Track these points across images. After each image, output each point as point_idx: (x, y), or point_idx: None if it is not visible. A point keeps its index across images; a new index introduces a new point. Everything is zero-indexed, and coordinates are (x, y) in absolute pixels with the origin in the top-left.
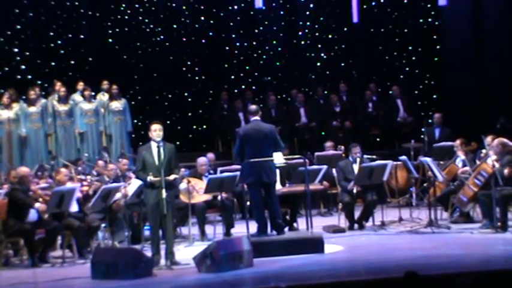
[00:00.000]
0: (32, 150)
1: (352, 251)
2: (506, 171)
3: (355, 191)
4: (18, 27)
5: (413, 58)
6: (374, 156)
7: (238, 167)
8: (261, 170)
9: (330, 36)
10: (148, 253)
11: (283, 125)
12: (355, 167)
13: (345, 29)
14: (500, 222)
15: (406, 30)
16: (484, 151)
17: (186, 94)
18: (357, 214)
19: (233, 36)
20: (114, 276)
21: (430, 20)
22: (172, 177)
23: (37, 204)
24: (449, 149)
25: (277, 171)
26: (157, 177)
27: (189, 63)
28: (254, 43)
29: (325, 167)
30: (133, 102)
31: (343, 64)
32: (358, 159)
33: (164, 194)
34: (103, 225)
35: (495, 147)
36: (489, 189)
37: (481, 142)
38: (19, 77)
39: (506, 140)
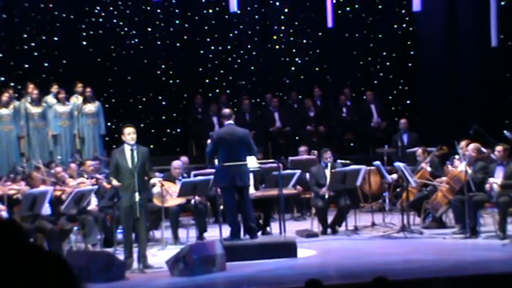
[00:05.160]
0: (3, 152)
1: (325, 255)
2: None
3: (327, 196)
4: None
5: (388, 64)
6: (348, 161)
7: (212, 170)
8: (234, 174)
9: (304, 40)
10: (121, 256)
11: (257, 129)
12: (327, 172)
13: (320, 33)
14: (471, 227)
15: (380, 36)
16: (457, 156)
17: (160, 97)
18: (330, 219)
19: (208, 40)
20: (86, 280)
21: (404, 25)
22: (153, 181)
23: None
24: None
25: (251, 175)
26: (131, 180)
27: (163, 66)
28: (229, 47)
29: (298, 171)
30: (107, 105)
31: (317, 69)
32: (329, 164)
33: (137, 197)
34: (75, 228)
35: (469, 153)
36: (462, 195)
37: (454, 147)
38: None
39: (480, 146)
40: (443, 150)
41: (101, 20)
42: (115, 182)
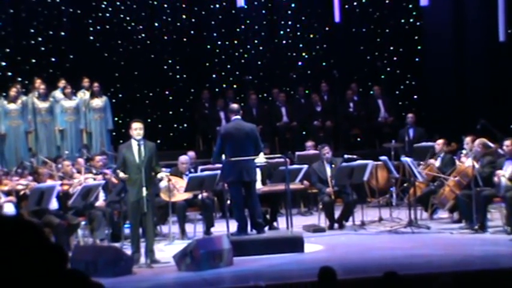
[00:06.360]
0: (11, 147)
1: (332, 250)
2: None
3: (333, 197)
4: None
5: (395, 58)
6: (354, 156)
7: (219, 165)
8: (241, 169)
9: (311, 35)
10: (128, 251)
11: (264, 124)
12: (327, 168)
13: (327, 28)
14: (479, 222)
15: (387, 31)
16: (464, 152)
17: (167, 92)
18: (337, 214)
19: (215, 35)
20: (93, 274)
21: (411, 20)
22: (160, 175)
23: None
24: (429, 149)
25: (258, 170)
26: (138, 175)
27: (170, 61)
28: (235, 42)
29: (305, 166)
30: (114, 100)
31: (324, 64)
32: (326, 160)
33: (144, 192)
34: (83, 222)
35: (476, 148)
36: (469, 190)
37: (461, 142)
38: None
39: (487, 141)
40: (452, 146)
41: (107, 15)
42: (122, 175)
